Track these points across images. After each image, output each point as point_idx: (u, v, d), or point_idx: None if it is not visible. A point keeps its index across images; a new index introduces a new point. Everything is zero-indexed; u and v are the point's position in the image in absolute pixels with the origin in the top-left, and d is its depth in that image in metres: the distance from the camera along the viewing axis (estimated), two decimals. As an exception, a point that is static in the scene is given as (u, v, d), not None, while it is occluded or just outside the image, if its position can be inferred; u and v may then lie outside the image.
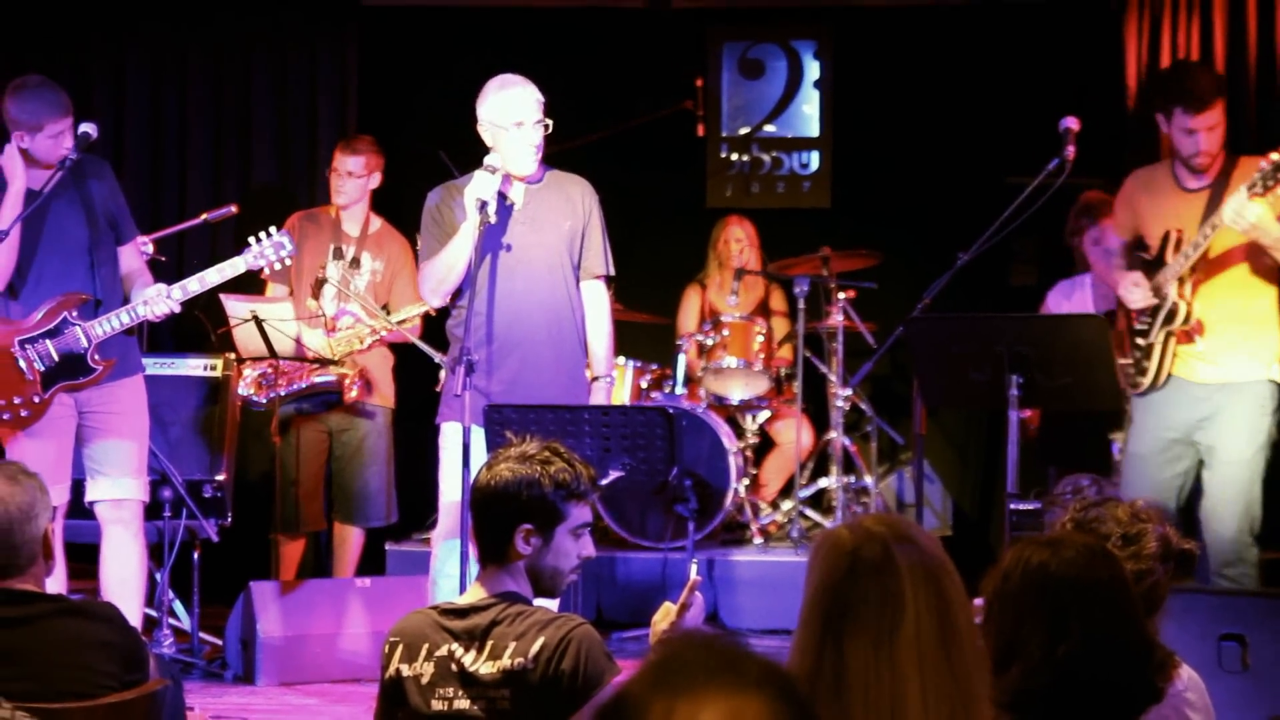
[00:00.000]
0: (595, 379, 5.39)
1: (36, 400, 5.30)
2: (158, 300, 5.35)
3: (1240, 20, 7.17)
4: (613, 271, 5.44)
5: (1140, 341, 5.57)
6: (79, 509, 5.50)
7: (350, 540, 6.74)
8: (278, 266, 5.59)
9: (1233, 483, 5.49)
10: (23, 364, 5.29)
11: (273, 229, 5.58)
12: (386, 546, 7.10)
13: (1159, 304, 5.52)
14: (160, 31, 7.80)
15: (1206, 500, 5.54)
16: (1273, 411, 5.53)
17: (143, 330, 5.73)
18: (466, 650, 3.15)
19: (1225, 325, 5.49)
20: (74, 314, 5.32)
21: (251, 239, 5.52)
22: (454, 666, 3.15)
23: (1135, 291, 5.57)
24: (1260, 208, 5.28)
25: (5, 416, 5.30)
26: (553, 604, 3.63)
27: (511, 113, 5.20)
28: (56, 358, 5.31)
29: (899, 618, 2.07)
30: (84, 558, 5.74)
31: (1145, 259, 5.61)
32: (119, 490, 5.42)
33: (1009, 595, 2.43)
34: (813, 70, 8.65)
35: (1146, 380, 5.57)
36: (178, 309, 5.41)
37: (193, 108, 7.85)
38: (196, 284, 5.40)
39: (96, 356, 5.34)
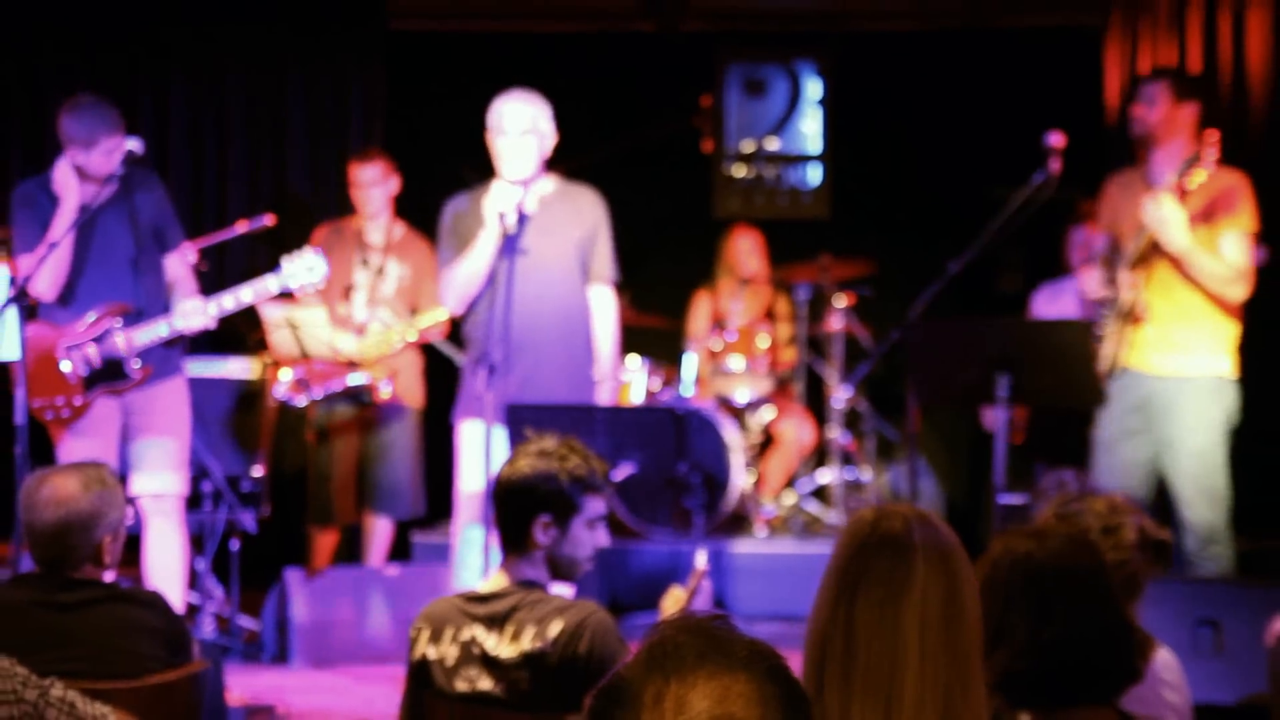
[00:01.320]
0: (600, 381, 5.38)
1: (78, 402, 5.33)
2: (194, 314, 5.36)
3: (1212, 43, 7.16)
4: (619, 277, 5.44)
5: (1097, 332, 5.54)
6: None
7: (380, 531, 6.75)
8: (309, 290, 5.56)
9: (1199, 474, 5.42)
10: (67, 368, 5.32)
11: (306, 249, 5.56)
12: (413, 537, 7.11)
13: (1114, 295, 5.49)
14: (201, 53, 7.81)
15: (1176, 490, 5.46)
16: (1225, 405, 5.46)
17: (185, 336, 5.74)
18: (488, 634, 3.16)
19: (1178, 319, 5.42)
20: (117, 323, 5.34)
21: (284, 258, 5.50)
22: (476, 649, 3.16)
23: (1089, 281, 5.56)
24: (1177, 213, 5.23)
25: (49, 416, 5.34)
26: (569, 590, 3.64)
27: (500, 123, 5.23)
28: (98, 363, 5.32)
29: (907, 583, 2.11)
30: (128, 546, 5.75)
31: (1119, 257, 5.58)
32: (160, 484, 5.43)
33: (997, 583, 2.44)
34: (813, 90, 8.65)
35: (1104, 369, 5.53)
36: (213, 325, 5.42)
37: (231, 124, 7.85)
38: (231, 301, 5.39)
39: (136, 363, 5.35)
